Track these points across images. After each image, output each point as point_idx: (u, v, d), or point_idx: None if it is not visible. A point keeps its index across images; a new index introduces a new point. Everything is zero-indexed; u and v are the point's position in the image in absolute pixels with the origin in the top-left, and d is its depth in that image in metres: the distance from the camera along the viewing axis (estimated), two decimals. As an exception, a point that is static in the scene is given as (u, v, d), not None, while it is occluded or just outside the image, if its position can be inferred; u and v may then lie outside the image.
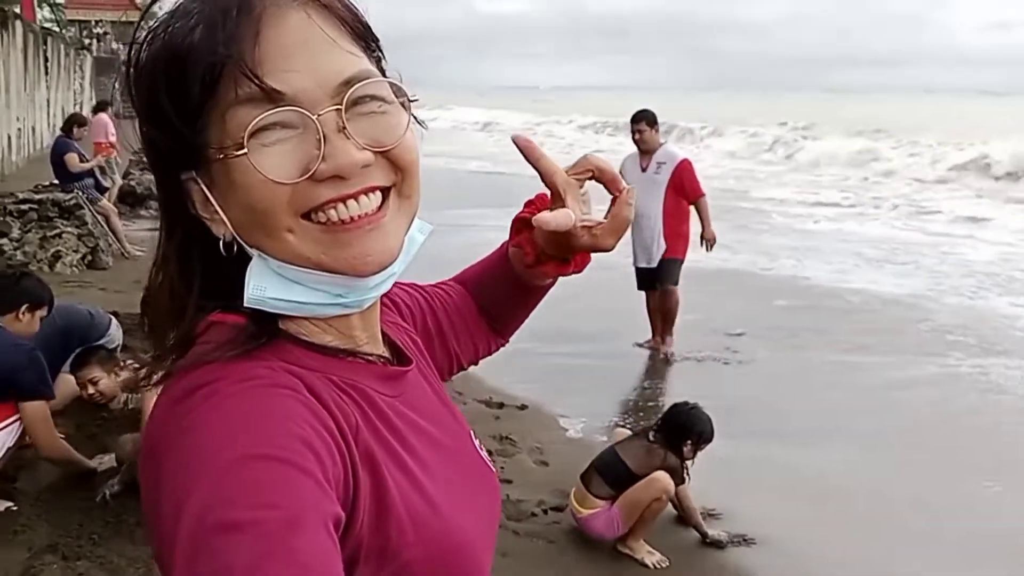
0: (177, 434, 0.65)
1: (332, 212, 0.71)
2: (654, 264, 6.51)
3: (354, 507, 0.68)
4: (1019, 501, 4.44)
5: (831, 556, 3.83)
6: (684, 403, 3.96)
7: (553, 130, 36.88)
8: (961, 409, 5.81)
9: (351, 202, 0.71)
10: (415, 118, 0.77)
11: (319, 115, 0.69)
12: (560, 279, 1.01)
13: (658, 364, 6.58)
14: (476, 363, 1.12)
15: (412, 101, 0.77)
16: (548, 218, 0.86)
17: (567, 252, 0.94)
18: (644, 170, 6.46)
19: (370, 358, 0.81)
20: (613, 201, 0.89)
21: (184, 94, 0.69)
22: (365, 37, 0.76)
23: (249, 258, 0.75)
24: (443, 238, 4.47)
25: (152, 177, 0.79)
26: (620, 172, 6.76)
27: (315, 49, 0.71)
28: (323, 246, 0.71)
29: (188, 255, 0.77)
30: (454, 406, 0.93)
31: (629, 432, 4.22)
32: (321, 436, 0.66)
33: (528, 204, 0.99)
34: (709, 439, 3.83)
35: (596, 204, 0.92)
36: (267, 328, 0.75)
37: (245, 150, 0.68)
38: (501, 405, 5.42)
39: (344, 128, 0.70)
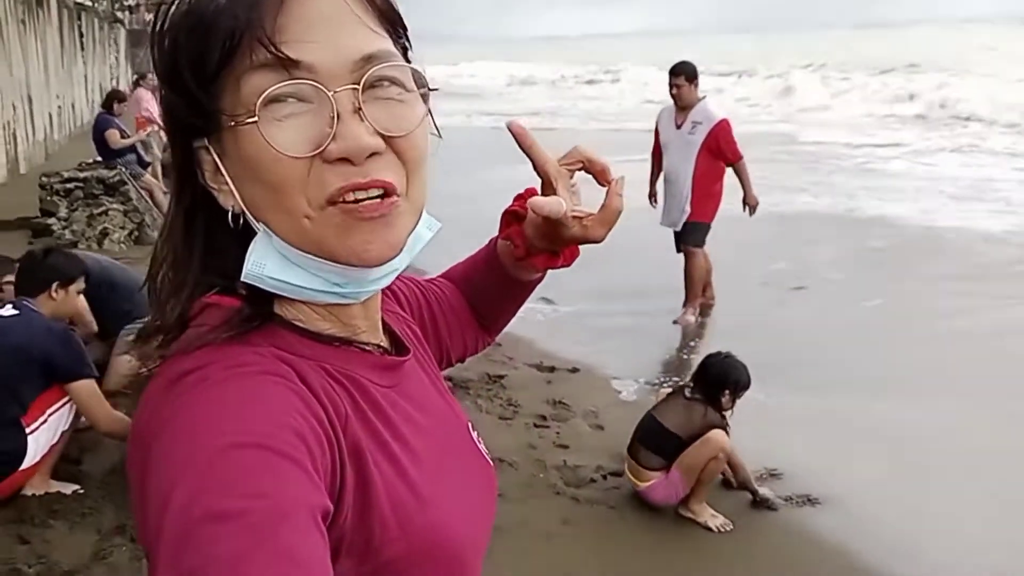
0: (165, 420, 0.64)
1: (349, 195, 0.70)
2: (677, 228, 6.34)
3: (340, 500, 0.67)
4: None
5: (907, 517, 3.71)
6: (717, 353, 3.87)
7: (599, 92, 35.12)
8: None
9: (360, 193, 0.70)
10: (435, 127, 0.77)
11: (335, 92, 0.68)
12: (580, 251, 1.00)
13: (711, 319, 6.48)
14: (463, 360, 1.12)
15: (432, 90, 0.76)
16: (541, 202, 0.87)
17: (556, 244, 0.95)
18: (679, 127, 6.25)
19: (367, 347, 0.80)
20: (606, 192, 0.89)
21: (203, 59, 0.68)
22: (393, 22, 0.75)
23: (252, 235, 0.74)
24: (483, 202, 4.42)
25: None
26: (656, 125, 6.61)
27: (339, 23, 0.69)
28: (335, 231, 0.70)
29: (193, 226, 0.77)
30: (452, 398, 0.93)
31: (669, 391, 4.15)
32: (311, 425, 0.65)
33: (517, 198, 0.99)
34: (746, 386, 3.75)
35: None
36: (261, 311, 0.74)
37: (256, 118, 0.67)
38: (552, 369, 5.37)
39: (359, 109, 0.69)
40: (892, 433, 4.50)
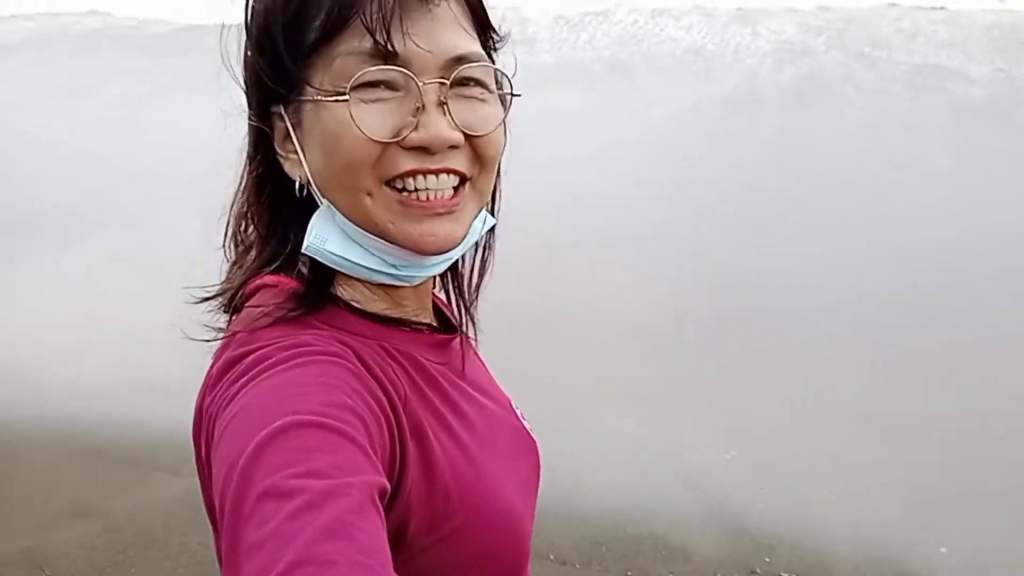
0: (230, 399, 0.66)
1: (410, 182, 0.72)
2: None
3: (401, 476, 0.69)
4: None
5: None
6: None
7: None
8: None
9: (430, 177, 0.72)
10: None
11: (424, 83, 0.71)
12: None
13: None
14: None
15: (515, 96, 0.79)
16: None
17: None
18: None
19: (419, 327, 0.82)
20: None
21: (301, 29, 0.71)
22: (485, 25, 0.78)
23: (314, 208, 0.76)
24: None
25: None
26: None
27: (438, 21, 0.72)
28: (394, 216, 0.73)
29: (262, 187, 0.79)
30: (494, 376, 0.96)
31: None
32: (369, 405, 0.67)
33: None
34: None
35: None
36: (321, 294, 0.76)
37: (347, 98, 0.70)
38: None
39: (445, 103, 0.71)
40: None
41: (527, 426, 0.94)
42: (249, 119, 0.79)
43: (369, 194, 0.72)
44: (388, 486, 0.64)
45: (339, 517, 0.56)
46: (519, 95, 0.80)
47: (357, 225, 0.74)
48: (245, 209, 0.81)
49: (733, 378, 4.67)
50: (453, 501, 0.73)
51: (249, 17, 0.75)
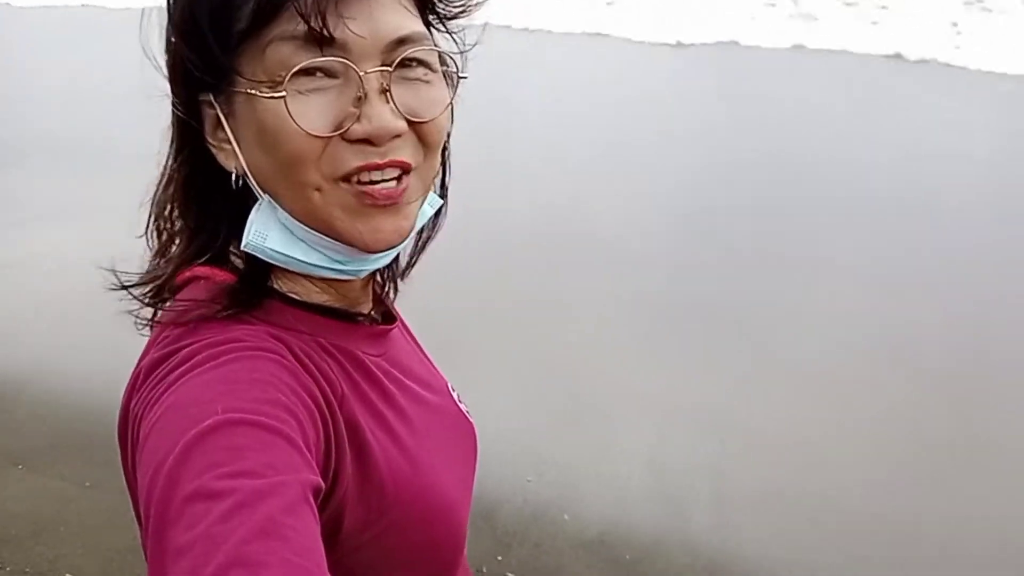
0: (156, 399, 0.63)
1: (364, 175, 0.69)
2: None
3: (336, 474, 0.67)
4: None
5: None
6: None
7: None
8: None
9: (375, 173, 0.69)
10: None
11: (365, 72, 0.67)
12: None
13: None
14: None
15: (461, 79, 0.75)
16: None
17: None
18: None
19: (360, 319, 0.80)
20: None
21: (229, 16, 0.66)
22: (428, 2, 0.74)
23: (254, 199, 0.72)
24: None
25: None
26: None
27: (375, 1, 0.68)
28: (343, 212, 0.70)
29: (191, 180, 0.75)
30: (431, 359, 0.94)
31: None
32: (303, 402, 0.65)
33: None
34: None
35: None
36: (256, 292, 0.73)
37: (283, 93, 0.66)
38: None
39: (387, 91, 0.68)
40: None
41: (464, 409, 0.92)
42: (174, 107, 0.73)
43: (318, 189, 0.69)
44: (322, 484, 0.62)
45: (271, 517, 0.53)
46: (465, 77, 0.76)
47: (300, 221, 0.71)
48: (171, 199, 0.76)
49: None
50: (388, 498, 0.72)
51: (171, 1, 0.70)
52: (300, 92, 0.66)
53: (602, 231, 4.83)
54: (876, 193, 5.19)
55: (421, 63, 0.70)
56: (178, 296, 0.73)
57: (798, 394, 3.49)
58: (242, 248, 0.72)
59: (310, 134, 0.66)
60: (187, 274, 0.74)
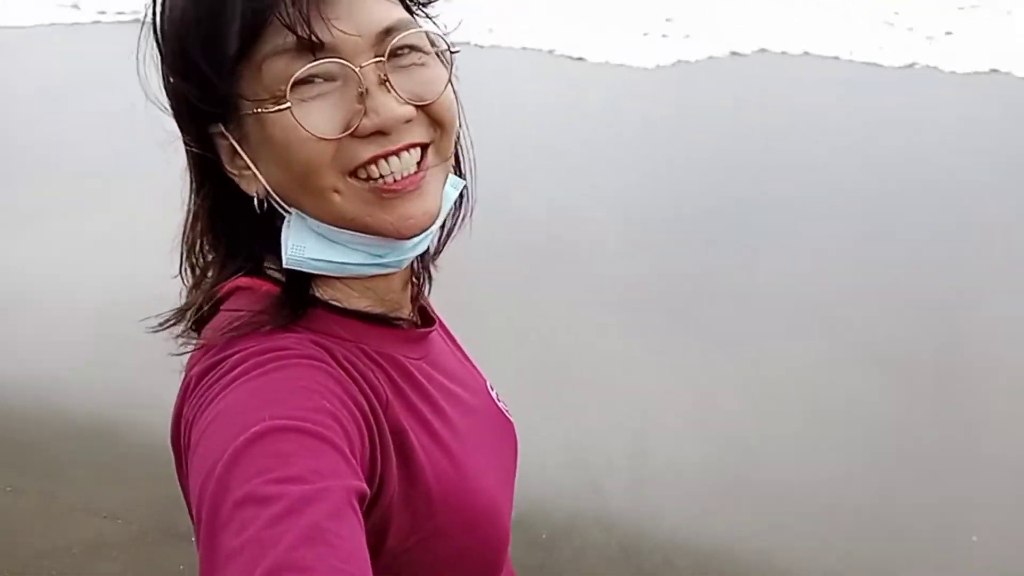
0: (207, 404, 0.65)
1: (374, 168, 0.70)
2: None
3: (382, 480, 0.68)
4: None
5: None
6: None
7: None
8: None
9: (393, 159, 0.70)
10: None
11: (361, 67, 0.68)
12: None
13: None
14: None
15: (454, 53, 0.76)
16: None
17: None
18: None
19: (400, 323, 0.81)
20: None
21: (219, 44, 0.67)
22: None
23: (280, 217, 0.74)
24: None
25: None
26: None
27: None
28: (368, 206, 0.71)
29: (216, 213, 0.76)
30: (471, 359, 0.94)
31: None
32: (348, 408, 0.66)
33: None
34: None
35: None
36: (301, 298, 0.74)
37: (288, 104, 0.67)
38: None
39: (386, 81, 0.69)
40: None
41: (503, 408, 0.93)
42: (187, 145, 0.74)
43: (336, 191, 0.70)
44: (368, 490, 0.63)
45: (318, 523, 0.55)
46: (458, 51, 0.77)
47: (331, 224, 0.72)
48: (200, 235, 0.78)
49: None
50: (434, 503, 0.73)
51: (161, 42, 0.71)
52: (303, 100, 0.67)
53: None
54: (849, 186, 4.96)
55: (412, 48, 0.72)
56: (224, 307, 0.74)
57: (719, 372, 3.43)
58: (284, 265, 0.73)
59: (321, 138, 0.67)
60: (229, 285, 0.76)
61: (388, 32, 0.69)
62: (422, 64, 0.72)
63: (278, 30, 0.66)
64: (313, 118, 0.67)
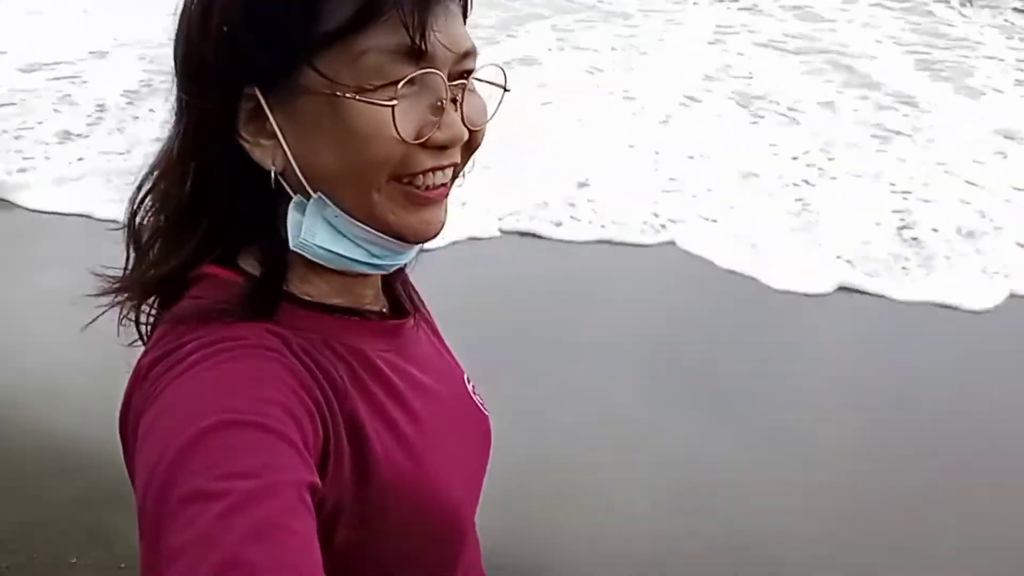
0: (157, 395, 0.64)
1: (420, 178, 0.72)
2: None
3: (337, 473, 0.68)
4: None
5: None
6: None
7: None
8: None
9: (438, 172, 0.73)
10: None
11: (450, 84, 0.71)
12: None
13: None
14: None
15: (505, 91, 0.79)
16: None
17: None
18: None
19: (369, 315, 0.81)
20: None
21: (320, 14, 0.66)
22: (466, 12, 0.77)
23: (283, 201, 0.73)
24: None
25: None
26: None
27: (450, 13, 0.71)
28: (397, 208, 0.72)
29: (210, 182, 0.73)
30: (449, 351, 0.94)
31: None
32: (302, 400, 0.65)
33: None
34: None
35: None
36: (274, 299, 0.72)
37: (395, 102, 0.68)
38: None
39: (461, 101, 0.72)
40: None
41: (479, 401, 0.93)
42: (201, 97, 0.71)
43: (378, 190, 0.71)
44: (320, 484, 0.62)
45: (267, 519, 0.54)
46: (509, 90, 0.79)
47: (353, 218, 0.72)
48: (173, 198, 0.74)
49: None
50: (388, 497, 0.73)
51: None
52: (391, 98, 0.68)
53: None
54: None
55: (470, 74, 0.74)
56: (190, 293, 0.73)
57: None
58: (292, 247, 0.73)
59: (404, 141, 0.69)
60: (199, 271, 0.74)
61: (466, 55, 0.72)
62: (473, 91, 0.74)
63: (388, 25, 0.67)
64: (401, 120, 0.69)
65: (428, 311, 0.95)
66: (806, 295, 4.14)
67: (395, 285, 0.87)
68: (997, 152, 5.80)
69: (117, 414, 0.71)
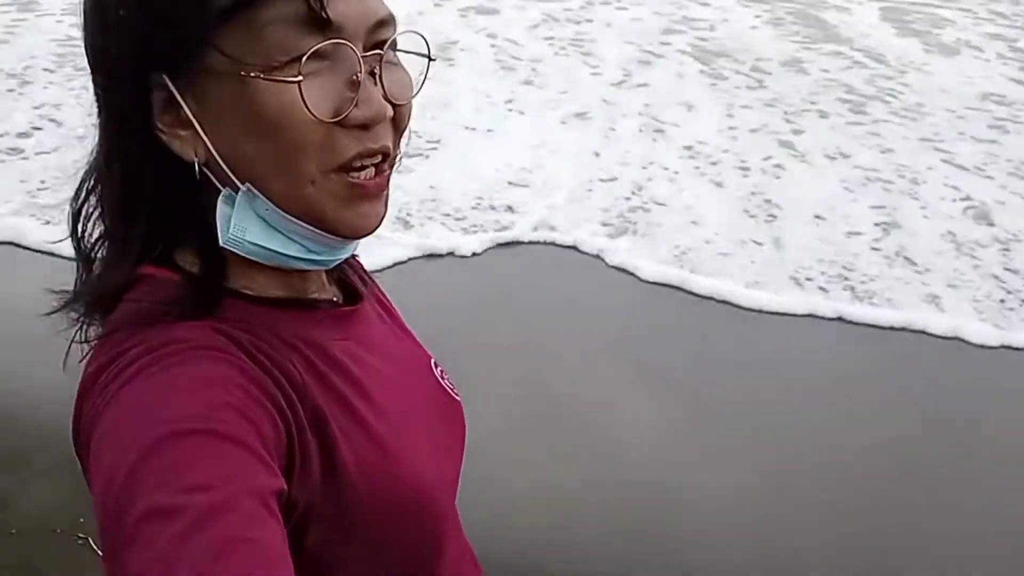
0: (101, 409, 0.61)
1: (357, 174, 0.68)
2: None
3: (304, 470, 0.66)
4: None
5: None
6: None
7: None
8: None
9: (370, 160, 0.68)
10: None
11: (363, 55, 0.66)
12: None
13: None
14: None
15: (431, 60, 0.74)
16: None
17: None
18: None
19: (319, 304, 0.77)
20: None
21: None
22: None
23: (211, 193, 0.69)
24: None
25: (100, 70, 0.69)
26: None
27: None
28: (334, 201, 0.68)
29: (139, 177, 0.69)
30: (413, 337, 0.91)
31: None
32: (257, 400, 0.62)
33: None
34: None
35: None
36: (215, 297, 0.69)
37: (300, 77, 0.63)
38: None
39: (379, 74, 0.67)
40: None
41: (448, 386, 0.89)
42: (107, 90, 0.68)
43: (312, 181, 0.66)
44: (284, 487, 0.60)
45: (228, 533, 0.52)
46: (434, 59, 0.75)
47: (286, 211, 0.68)
48: (104, 200, 0.71)
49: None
50: (359, 493, 0.70)
51: None
52: (302, 75, 0.64)
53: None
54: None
55: (391, 45, 0.70)
56: (128, 296, 0.69)
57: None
58: (221, 244, 0.69)
59: (320, 120, 0.64)
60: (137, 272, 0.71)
61: (381, 24, 0.68)
62: (395, 63, 0.70)
63: None
64: (313, 97, 0.64)
65: (381, 291, 0.91)
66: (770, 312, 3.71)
67: (343, 268, 0.83)
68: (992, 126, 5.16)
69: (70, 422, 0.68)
